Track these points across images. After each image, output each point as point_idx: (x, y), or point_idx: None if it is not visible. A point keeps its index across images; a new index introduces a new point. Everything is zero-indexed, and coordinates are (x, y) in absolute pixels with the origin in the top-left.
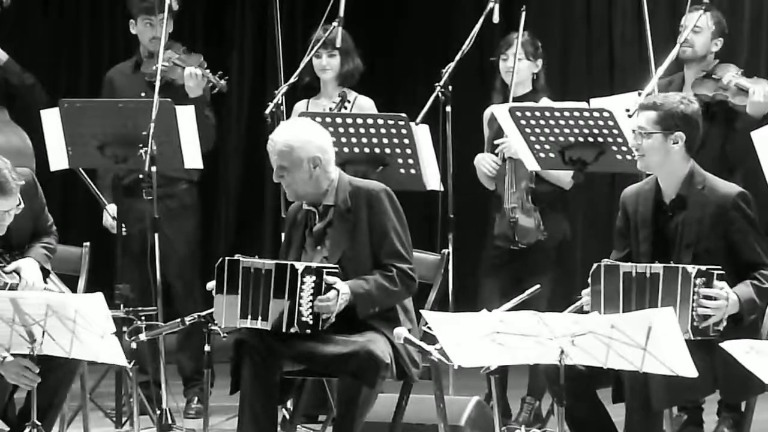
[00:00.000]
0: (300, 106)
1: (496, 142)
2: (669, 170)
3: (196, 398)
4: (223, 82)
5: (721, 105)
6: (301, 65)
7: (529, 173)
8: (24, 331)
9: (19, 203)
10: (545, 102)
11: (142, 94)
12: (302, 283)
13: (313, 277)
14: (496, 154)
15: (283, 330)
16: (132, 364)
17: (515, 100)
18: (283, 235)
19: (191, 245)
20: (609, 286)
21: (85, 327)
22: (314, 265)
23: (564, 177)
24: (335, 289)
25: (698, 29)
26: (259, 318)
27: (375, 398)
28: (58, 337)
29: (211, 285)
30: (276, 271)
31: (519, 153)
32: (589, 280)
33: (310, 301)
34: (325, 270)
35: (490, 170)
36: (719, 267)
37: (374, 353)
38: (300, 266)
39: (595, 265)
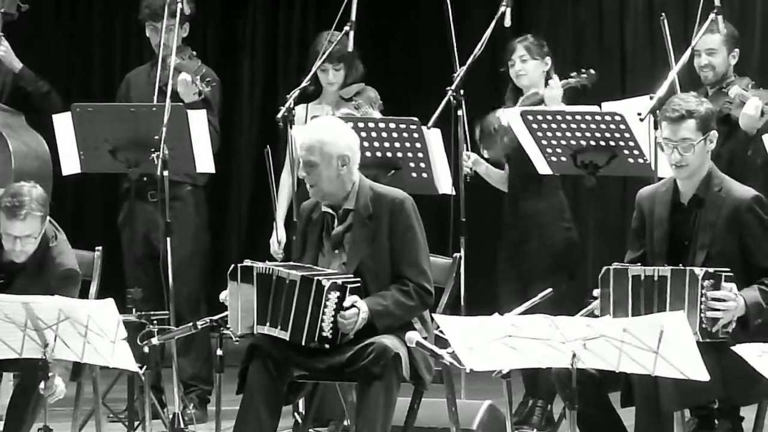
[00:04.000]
0: (300, 110)
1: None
2: (696, 172)
3: (192, 404)
4: (208, 89)
5: (726, 119)
6: (309, 74)
7: None
8: (36, 335)
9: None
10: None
11: (153, 98)
12: (326, 299)
13: (337, 293)
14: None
15: (302, 344)
16: (144, 368)
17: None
18: (294, 237)
19: (194, 249)
20: (618, 290)
21: (97, 332)
22: (340, 281)
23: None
24: (356, 307)
25: (714, 51)
26: (279, 326)
27: (394, 397)
28: (71, 342)
29: (224, 295)
30: (301, 284)
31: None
32: (599, 283)
33: (332, 316)
34: (349, 286)
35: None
36: (728, 269)
37: (382, 343)
38: (326, 282)
39: (604, 269)
